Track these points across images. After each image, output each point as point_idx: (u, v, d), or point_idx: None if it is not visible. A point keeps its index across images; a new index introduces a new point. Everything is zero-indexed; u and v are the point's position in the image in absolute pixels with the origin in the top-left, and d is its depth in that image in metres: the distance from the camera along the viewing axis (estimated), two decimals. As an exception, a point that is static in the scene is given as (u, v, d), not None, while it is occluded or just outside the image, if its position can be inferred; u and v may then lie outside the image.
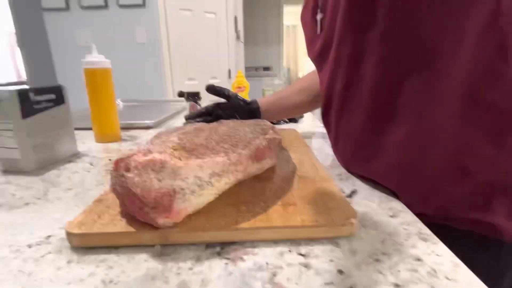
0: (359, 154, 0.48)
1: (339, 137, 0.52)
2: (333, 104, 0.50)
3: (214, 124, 0.49)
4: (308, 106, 0.75)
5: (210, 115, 0.69)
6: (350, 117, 0.47)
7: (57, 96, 0.60)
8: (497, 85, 0.36)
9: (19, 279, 0.27)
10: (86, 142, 0.76)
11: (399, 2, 0.37)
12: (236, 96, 0.70)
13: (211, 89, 0.69)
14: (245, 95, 1.38)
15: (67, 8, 2.49)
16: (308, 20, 0.56)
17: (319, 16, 0.52)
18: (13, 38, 6.18)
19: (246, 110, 0.69)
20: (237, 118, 0.67)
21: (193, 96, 0.92)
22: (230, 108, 0.68)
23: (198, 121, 0.68)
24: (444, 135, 0.38)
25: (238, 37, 3.13)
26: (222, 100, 0.71)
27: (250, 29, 4.91)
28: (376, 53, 0.40)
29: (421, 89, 0.38)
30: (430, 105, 0.38)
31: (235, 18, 3.05)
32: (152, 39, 2.52)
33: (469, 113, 0.37)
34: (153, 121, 0.92)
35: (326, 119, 0.57)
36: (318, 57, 0.54)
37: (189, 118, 0.69)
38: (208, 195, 0.33)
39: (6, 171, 0.55)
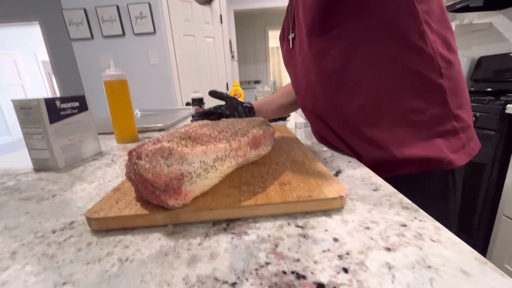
0: (327, 126, 0.51)
1: (314, 119, 0.54)
2: (311, 95, 0.52)
3: (216, 121, 0.46)
4: (289, 107, 0.74)
5: (213, 114, 0.66)
6: (320, 101, 0.50)
7: (81, 104, 0.56)
8: (419, 59, 0.39)
9: (42, 261, 0.23)
10: (108, 143, 0.72)
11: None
12: (233, 98, 0.67)
13: (213, 94, 0.67)
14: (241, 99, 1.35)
15: (91, 37, 2.43)
16: (283, 40, 0.60)
17: (290, 36, 0.55)
18: (48, 66, 6.09)
19: (244, 108, 0.66)
20: (237, 116, 0.65)
21: (198, 102, 0.89)
22: (230, 107, 0.65)
23: (203, 119, 0.65)
24: (390, 97, 0.42)
25: (233, 57, 3.09)
26: (223, 102, 0.68)
27: (243, 51, 4.88)
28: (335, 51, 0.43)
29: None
30: (378, 79, 0.41)
31: (230, 42, 3.01)
32: (162, 60, 2.47)
33: (405, 81, 0.41)
34: (164, 124, 0.88)
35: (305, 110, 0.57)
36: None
37: (195, 116, 0.65)
38: (213, 178, 0.29)
39: (38, 170, 0.51)
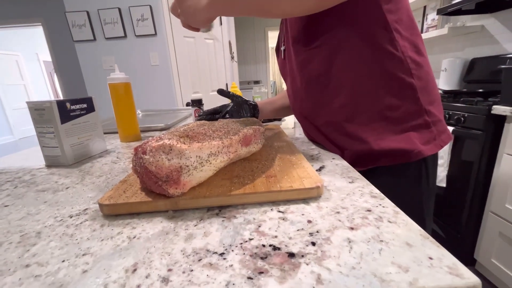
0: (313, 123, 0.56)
1: (302, 119, 0.59)
2: (299, 98, 0.56)
3: (213, 121, 0.50)
4: (289, 108, 0.77)
5: (219, 112, 0.69)
6: (305, 102, 0.55)
7: (88, 105, 0.61)
8: (391, 62, 0.44)
9: (63, 239, 0.28)
10: (113, 142, 0.76)
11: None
12: (239, 96, 0.71)
13: (221, 92, 0.70)
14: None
15: (94, 39, 2.47)
16: (278, 52, 0.65)
17: (283, 48, 0.60)
18: (50, 66, 6.12)
19: (249, 106, 0.70)
20: (242, 113, 0.69)
21: (197, 103, 0.93)
22: (236, 105, 0.69)
23: (209, 118, 0.69)
24: (369, 96, 0.46)
25: (232, 58, 3.13)
26: (228, 101, 0.72)
27: (242, 51, 4.92)
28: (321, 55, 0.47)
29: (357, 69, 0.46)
30: (356, 80, 0.46)
31: (230, 43, 3.06)
32: (163, 62, 2.51)
33: (380, 81, 0.45)
34: (165, 124, 0.93)
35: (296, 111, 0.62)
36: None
37: (202, 115, 0.68)
38: (207, 171, 0.34)
39: (50, 166, 0.55)
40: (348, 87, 0.47)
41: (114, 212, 0.32)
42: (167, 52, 2.49)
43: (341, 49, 0.45)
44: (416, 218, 0.32)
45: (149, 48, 2.48)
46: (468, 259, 1.28)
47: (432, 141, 0.47)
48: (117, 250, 0.25)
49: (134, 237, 0.27)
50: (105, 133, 0.89)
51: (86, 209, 0.34)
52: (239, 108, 0.69)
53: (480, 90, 1.52)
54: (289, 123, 0.86)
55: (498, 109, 1.09)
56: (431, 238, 0.25)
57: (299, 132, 0.76)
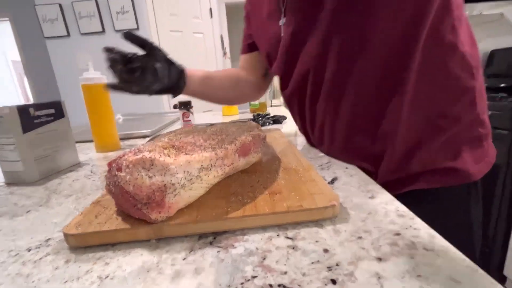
0: (353, 133, 0.48)
1: (326, 124, 0.50)
2: (322, 92, 0.48)
3: (203, 127, 0.48)
4: (231, 94, 0.69)
5: (131, 61, 0.54)
6: (341, 102, 0.46)
7: (57, 110, 0.58)
8: (455, 60, 0.40)
9: (16, 281, 0.24)
10: (87, 152, 0.73)
11: None
12: (158, 48, 0.56)
13: (129, 36, 0.53)
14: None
15: (68, 35, 2.44)
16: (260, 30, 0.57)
17: (282, 21, 0.51)
18: (20, 66, 6.06)
19: (164, 68, 0.56)
20: (156, 73, 0.54)
21: (185, 105, 0.90)
22: (148, 61, 0.54)
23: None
24: (423, 103, 0.41)
25: (225, 54, 3.13)
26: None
27: (236, 46, 4.92)
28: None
29: (415, 69, 0.40)
30: (422, 81, 0.40)
31: (221, 37, 3.05)
32: (147, 59, 2.49)
33: (439, 83, 0.40)
34: (149, 130, 0.90)
35: (312, 109, 0.53)
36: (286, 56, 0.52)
37: (108, 51, 0.53)
38: (198, 188, 0.31)
39: (10, 183, 0.52)
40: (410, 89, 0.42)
41: (82, 244, 0.28)
42: (151, 48, 2.46)
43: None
44: (463, 244, 0.28)
45: (127, 43, 2.46)
46: (497, 276, 1.26)
47: (483, 159, 0.44)
48: (83, 296, 0.22)
49: (107, 276, 0.24)
50: (78, 143, 0.86)
51: (49, 239, 0.31)
52: (153, 64, 0.54)
53: (503, 85, 1.52)
54: (290, 127, 0.84)
55: (526, 106, 1.08)
56: (480, 271, 0.22)
57: (302, 140, 0.73)
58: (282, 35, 0.51)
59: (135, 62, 0.54)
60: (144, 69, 0.53)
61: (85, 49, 2.47)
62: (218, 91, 0.67)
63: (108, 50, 0.53)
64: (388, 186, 0.40)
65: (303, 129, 0.60)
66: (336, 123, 0.48)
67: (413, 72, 0.39)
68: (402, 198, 0.35)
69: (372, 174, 0.47)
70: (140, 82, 0.54)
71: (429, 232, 0.27)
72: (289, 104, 0.60)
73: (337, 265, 0.24)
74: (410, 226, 0.29)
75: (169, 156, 0.29)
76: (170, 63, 0.58)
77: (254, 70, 0.70)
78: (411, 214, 0.31)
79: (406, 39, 0.38)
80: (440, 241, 0.26)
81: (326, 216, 0.30)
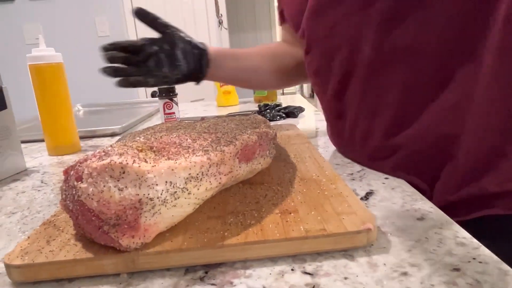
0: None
1: (359, 119, 0.51)
2: (354, 77, 0.50)
3: (191, 122, 0.48)
4: (269, 75, 0.72)
5: (137, 53, 0.61)
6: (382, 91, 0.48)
7: (-4, 100, 0.59)
8: None
9: None
10: (37, 156, 0.74)
11: None
12: (175, 28, 0.63)
13: (140, 13, 0.61)
14: (232, 91, 1.37)
15: (11, 0, 2.48)
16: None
17: None
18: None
19: (189, 50, 0.62)
20: (176, 59, 0.61)
21: (167, 93, 0.91)
22: (169, 43, 0.61)
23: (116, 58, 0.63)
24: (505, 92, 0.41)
25: (220, 23, 3.15)
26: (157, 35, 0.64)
27: (235, 13, 4.96)
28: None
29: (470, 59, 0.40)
30: (476, 74, 0.41)
31: (216, 1, 3.07)
32: (116, 31, 2.52)
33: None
34: (119, 127, 0.91)
35: (341, 100, 0.54)
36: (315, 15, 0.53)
37: (105, 48, 0.62)
38: (184, 205, 0.31)
39: None
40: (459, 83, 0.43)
41: (30, 278, 0.29)
42: (121, 16, 2.49)
43: None
44: None
45: (94, 11, 2.49)
46: None
47: None
48: None
49: (62, 323, 0.24)
50: (25, 143, 0.87)
51: (-15, 272, 0.32)
52: (172, 50, 0.60)
53: None
54: (309, 122, 0.84)
55: None
56: None
57: (325, 141, 0.73)
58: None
59: (147, 48, 0.60)
60: (159, 55, 0.59)
61: (34, 18, 2.50)
62: (249, 73, 0.71)
63: (106, 48, 0.62)
64: (448, 210, 0.40)
65: (330, 124, 0.61)
66: (376, 117, 0.49)
67: (492, 39, 0.39)
68: (465, 225, 0.35)
69: (425, 192, 0.46)
70: (157, 72, 0.60)
71: (501, 267, 0.27)
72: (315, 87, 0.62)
73: (373, 311, 0.24)
74: (474, 258, 0.28)
75: (145, 161, 0.30)
76: (190, 44, 0.63)
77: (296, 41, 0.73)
78: (475, 242, 0.31)
79: None
80: (516, 280, 0.26)
81: (358, 244, 0.30)
